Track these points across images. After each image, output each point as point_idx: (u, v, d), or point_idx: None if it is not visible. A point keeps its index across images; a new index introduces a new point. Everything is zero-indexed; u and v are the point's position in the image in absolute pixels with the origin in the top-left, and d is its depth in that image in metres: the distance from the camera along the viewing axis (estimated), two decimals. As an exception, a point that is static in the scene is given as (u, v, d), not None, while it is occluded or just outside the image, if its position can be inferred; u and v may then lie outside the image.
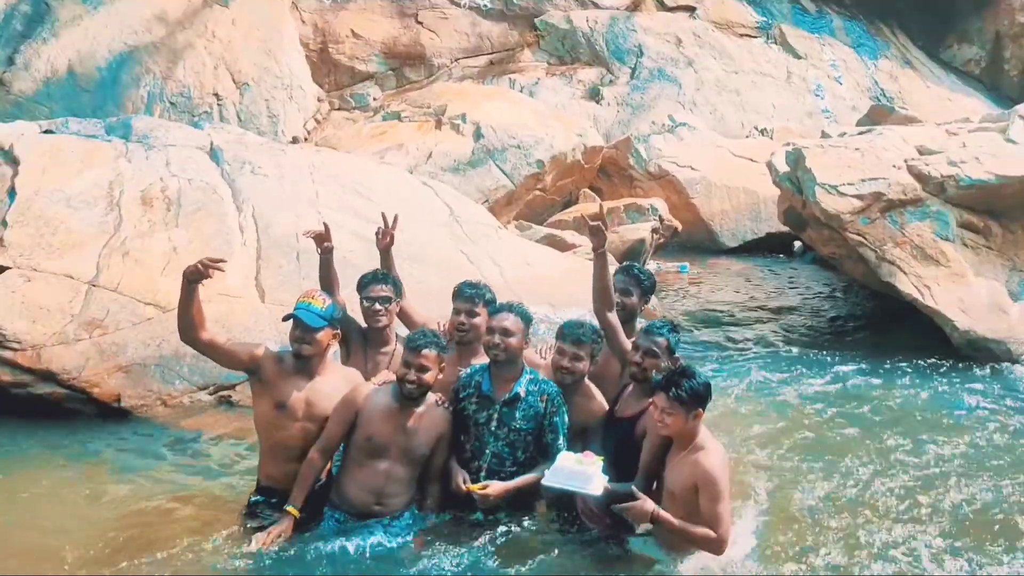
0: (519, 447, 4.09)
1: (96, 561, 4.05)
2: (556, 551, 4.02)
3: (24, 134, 7.64)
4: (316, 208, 7.64)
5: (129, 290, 6.34)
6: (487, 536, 4.04)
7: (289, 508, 3.92)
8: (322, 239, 4.65)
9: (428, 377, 3.94)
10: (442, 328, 4.52)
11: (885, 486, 5.00)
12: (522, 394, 4.06)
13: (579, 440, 4.21)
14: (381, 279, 4.53)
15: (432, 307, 4.91)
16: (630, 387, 4.21)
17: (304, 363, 4.06)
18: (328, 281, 4.56)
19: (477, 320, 4.37)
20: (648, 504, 3.72)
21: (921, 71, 15.99)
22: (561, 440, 4.08)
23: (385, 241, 4.68)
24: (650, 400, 3.99)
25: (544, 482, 3.89)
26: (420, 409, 4.00)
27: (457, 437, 4.13)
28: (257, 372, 4.09)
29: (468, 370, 4.20)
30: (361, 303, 4.53)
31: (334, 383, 4.12)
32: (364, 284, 4.55)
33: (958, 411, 6.37)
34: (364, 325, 4.57)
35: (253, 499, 4.17)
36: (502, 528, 4.10)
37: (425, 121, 11.88)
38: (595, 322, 4.36)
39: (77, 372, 5.81)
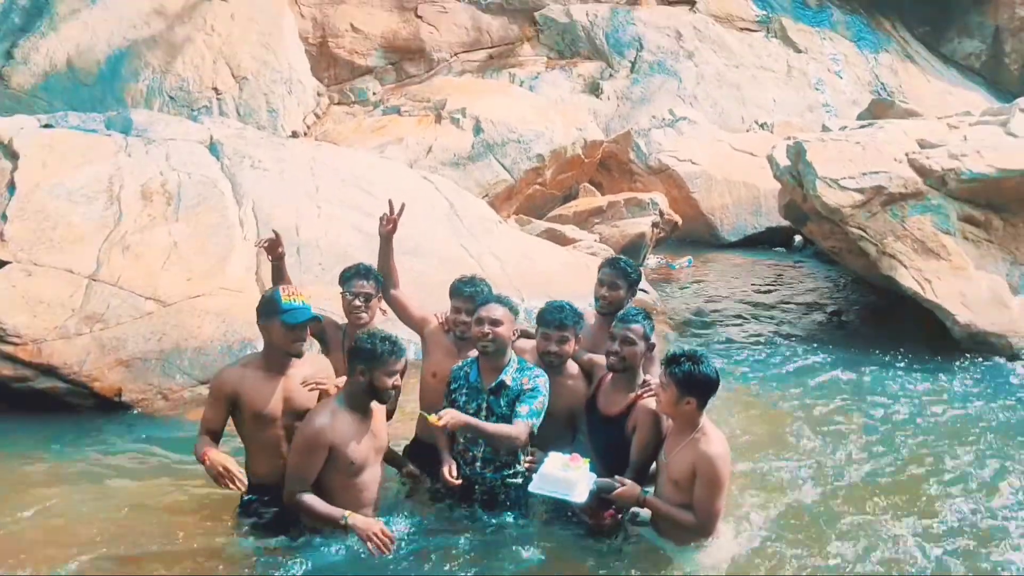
0: None
1: (98, 555, 4.05)
2: (558, 550, 4.00)
3: (24, 128, 7.64)
4: (316, 202, 7.65)
5: (129, 284, 6.35)
6: (485, 535, 4.03)
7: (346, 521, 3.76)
8: (274, 247, 4.59)
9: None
10: (440, 319, 4.53)
11: (888, 480, 5.02)
12: (507, 382, 4.07)
13: (567, 428, 4.24)
14: (363, 274, 4.48)
15: (431, 301, 4.90)
16: (607, 379, 4.18)
17: (281, 362, 3.98)
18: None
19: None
20: (635, 488, 3.76)
21: (922, 65, 15.97)
22: (525, 408, 4.02)
23: (388, 228, 4.58)
24: (635, 394, 4.01)
25: (530, 488, 3.89)
26: (375, 406, 3.93)
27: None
28: (235, 400, 3.98)
29: (459, 364, 4.23)
30: (343, 298, 4.49)
31: (304, 373, 4.06)
32: (346, 278, 4.50)
33: (960, 405, 6.37)
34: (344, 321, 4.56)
35: (246, 498, 4.12)
36: (499, 526, 4.08)
37: (425, 115, 11.87)
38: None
39: (78, 366, 5.82)
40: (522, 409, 4.00)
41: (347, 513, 3.71)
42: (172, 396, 5.89)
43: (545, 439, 4.12)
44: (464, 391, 4.11)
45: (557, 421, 4.18)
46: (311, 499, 3.76)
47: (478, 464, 4.10)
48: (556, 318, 4.21)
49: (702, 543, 3.82)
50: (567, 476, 3.79)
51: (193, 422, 5.60)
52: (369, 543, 3.66)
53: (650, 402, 3.98)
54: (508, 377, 4.06)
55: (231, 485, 3.77)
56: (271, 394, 3.95)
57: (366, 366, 3.76)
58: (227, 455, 3.82)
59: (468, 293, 4.37)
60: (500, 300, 4.17)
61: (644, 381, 4.07)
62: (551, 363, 4.23)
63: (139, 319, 6.16)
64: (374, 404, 3.91)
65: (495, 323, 4.05)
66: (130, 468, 5.15)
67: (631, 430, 4.01)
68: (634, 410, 4.01)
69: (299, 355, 3.98)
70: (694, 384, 3.71)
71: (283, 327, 3.90)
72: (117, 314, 6.14)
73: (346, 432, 3.79)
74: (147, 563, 3.99)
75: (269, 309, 3.95)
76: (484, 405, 4.07)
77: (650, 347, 4.10)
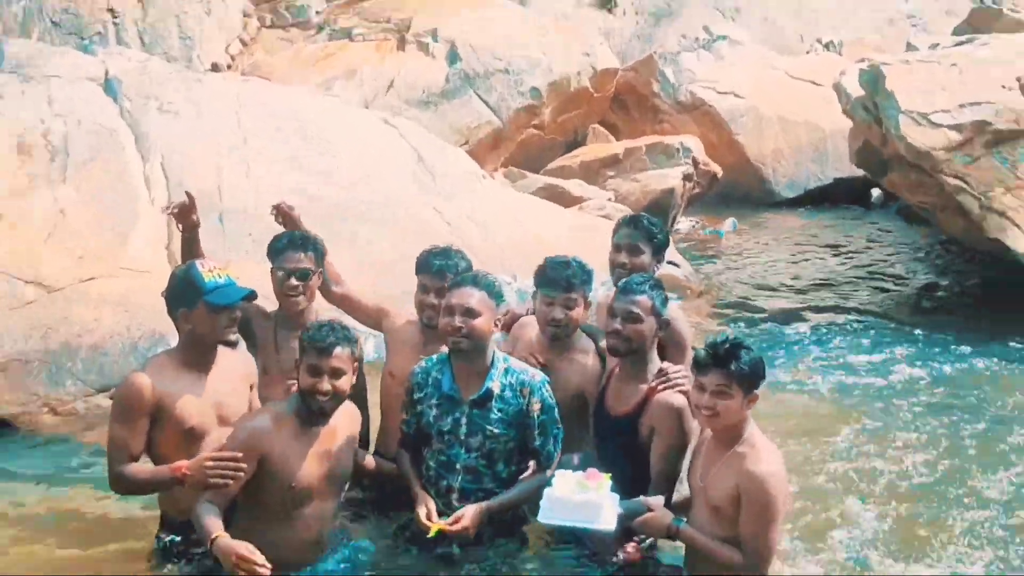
0: (498, 458, 4.04)
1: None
2: None
3: None
4: (243, 156, 7.68)
5: (3, 265, 6.40)
6: None
7: None
8: (186, 213, 4.55)
9: (343, 384, 3.88)
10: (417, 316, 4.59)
11: (981, 509, 5.03)
12: (495, 389, 4.00)
13: (577, 421, 4.26)
14: (300, 244, 4.47)
15: (393, 284, 4.94)
16: (615, 370, 4.21)
17: (203, 359, 4.01)
18: None
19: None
20: (665, 516, 3.74)
21: (1035, -37, 15.99)
22: (551, 445, 4.08)
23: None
24: (648, 386, 4.03)
25: (540, 518, 3.86)
26: (333, 422, 3.95)
27: (416, 451, 4.09)
28: (155, 413, 3.95)
29: (422, 364, 4.12)
30: (273, 275, 4.48)
31: (234, 373, 4.10)
32: (277, 251, 4.49)
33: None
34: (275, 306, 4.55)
35: (164, 540, 4.13)
36: (485, 565, 4.08)
37: (384, 40, 11.89)
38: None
39: (-65, 372, 5.90)
40: (548, 445, 4.06)
41: (216, 534, 3.69)
42: (62, 408, 5.95)
43: None
44: (434, 402, 4.04)
45: (564, 408, 4.17)
46: (202, 509, 3.77)
47: (455, 496, 4.06)
48: (562, 276, 4.23)
49: None
50: (587, 499, 3.77)
51: (88, 443, 5.68)
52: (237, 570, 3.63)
53: (670, 396, 3.98)
54: (495, 383, 4.02)
55: (226, 460, 3.78)
56: (200, 401, 3.97)
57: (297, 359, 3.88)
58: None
59: (438, 267, 4.38)
60: (477, 281, 4.04)
61: (661, 370, 4.06)
62: (556, 335, 4.26)
63: (17, 309, 6.20)
64: (338, 420, 3.95)
65: (469, 313, 3.94)
66: (10, 505, 5.17)
67: (647, 433, 4.02)
68: (648, 407, 4.01)
69: (232, 343, 4.06)
70: (759, 374, 3.69)
71: (208, 310, 3.93)
72: (-12, 303, 6.21)
73: (287, 448, 3.83)
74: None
75: (187, 291, 3.96)
76: (463, 420, 4.02)
77: (662, 324, 4.10)
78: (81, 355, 6.10)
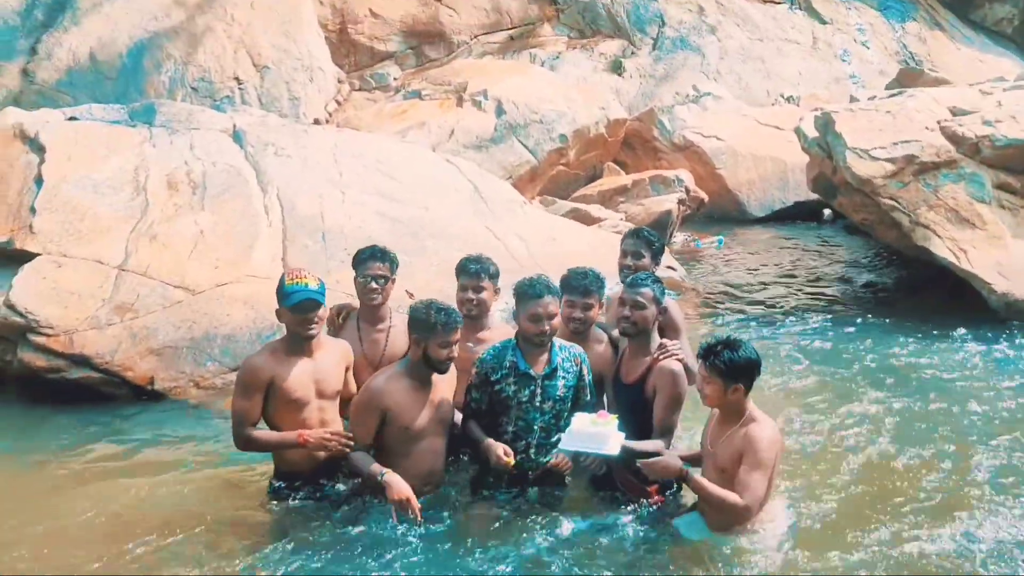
0: (562, 416, 4.09)
1: (127, 541, 4.10)
2: (598, 543, 3.91)
3: (49, 122, 7.70)
4: (340, 188, 7.65)
5: (158, 274, 6.40)
6: (526, 525, 3.96)
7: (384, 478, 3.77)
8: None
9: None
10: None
11: (926, 458, 4.89)
12: (559, 363, 4.07)
13: (597, 394, 4.27)
14: (379, 256, 4.47)
15: (455, 285, 4.88)
16: (626, 349, 4.23)
17: (301, 345, 3.98)
18: None
19: (484, 295, 4.41)
20: (675, 461, 3.70)
21: (951, 32, 15.67)
22: (591, 397, 4.17)
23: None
24: (651, 357, 4.05)
25: (560, 446, 3.91)
26: (437, 378, 3.97)
27: (494, 419, 4.06)
28: (268, 387, 3.97)
29: (490, 351, 4.12)
30: (356, 280, 4.47)
31: (333, 356, 4.10)
32: (361, 261, 4.48)
33: (999, 376, 6.27)
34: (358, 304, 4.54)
35: (276, 484, 4.15)
36: (539, 516, 4.02)
37: (446, 99, 11.83)
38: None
39: (110, 356, 5.88)
40: (592, 398, 4.15)
41: (386, 471, 3.76)
42: (204, 384, 5.94)
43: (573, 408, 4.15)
44: (511, 380, 4.02)
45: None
46: (361, 456, 3.86)
47: (532, 451, 4.08)
48: (581, 284, 4.26)
49: (749, 537, 3.73)
50: (597, 431, 3.81)
51: (226, 410, 5.65)
52: (395, 506, 3.72)
53: (668, 363, 4.01)
54: (559, 359, 4.07)
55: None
56: (302, 378, 3.96)
57: (419, 336, 3.84)
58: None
59: (474, 270, 4.42)
60: (550, 288, 4.09)
61: (660, 344, 4.11)
62: (577, 330, 4.29)
63: (168, 308, 6.20)
64: (436, 376, 3.95)
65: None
66: (163, 455, 5.21)
67: (651, 394, 4.03)
68: (652, 373, 4.04)
69: (309, 338, 3.96)
70: (738, 370, 3.66)
71: (286, 311, 3.93)
72: (147, 303, 6.19)
73: (402, 397, 3.86)
74: (187, 548, 4.03)
75: (279, 293, 4.00)
76: (538, 391, 4.04)
77: (661, 311, 4.15)
78: (218, 342, 6.10)
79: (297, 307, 3.90)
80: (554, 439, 4.07)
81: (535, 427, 4.07)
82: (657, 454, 3.78)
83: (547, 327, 3.98)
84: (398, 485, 3.72)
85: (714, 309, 8.09)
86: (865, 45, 15.04)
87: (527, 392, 4.03)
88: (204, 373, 5.96)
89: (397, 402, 3.85)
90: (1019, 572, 3.80)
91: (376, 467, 3.79)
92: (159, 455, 5.21)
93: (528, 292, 4.02)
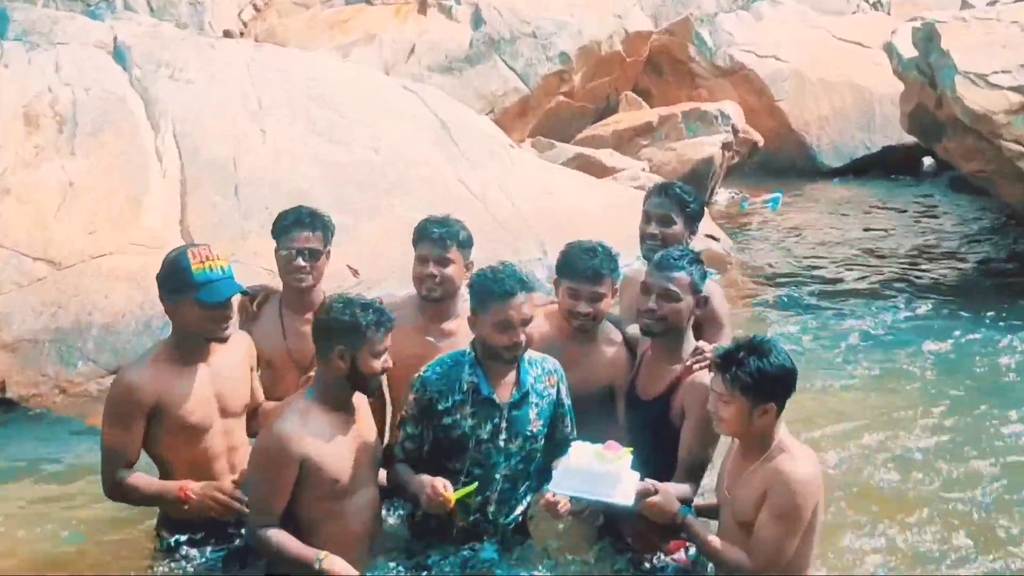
0: (533, 458, 3.98)
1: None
2: None
3: None
4: (259, 124, 7.69)
5: (12, 241, 6.45)
6: None
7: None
8: None
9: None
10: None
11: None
12: (531, 386, 3.93)
13: (604, 414, 4.18)
14: (307, 222, 4.41)
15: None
16: (647, 352, 4.14)
17: (200, 350, 3.91)
18: None
19: (450, 270, 4.31)
20: (672, 503, 3.64)
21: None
22: (573, 431, 4.02)
23: None
24: (683, 365, 3.96)
25: (552, 487, 3.72)
26: (357, 401, 3.86)
27: (438, 464, 3.88)
28: (154, 410, 3.84)
29: (434, 368, 3.91)
30: (278, 253, 4.42)
31: (234, 357, 4.01)
32: (283, 229, 4.41)
33: None
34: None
35: (170, 541, 4.04)
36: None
37: (404, 3, 11.88)
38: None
39: (-58, 353, 5.97)
40: (573, 432, 4.01)
41: (323, 554, 3.62)
42: (73, 390, 6.00)
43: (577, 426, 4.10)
44: (469, 410, 3.85)
45: (591, 401, 4.14)
46: (279, 537, 3.67)
47: (491, 509, 3.98)
48: (588, 267, 4.09)
49: None
50: (606, 470, 3.66)
51: (99, 425, 5.70)
52: None
53: (704, 375, 3.83)
54: (532, 378, 3.92)
55: (233, 508, 3.73)
56: (201, 395, 3.89)
57: (345, 346, 3.68)
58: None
59: (437, 235, 4.33)
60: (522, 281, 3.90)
61: (696, 348, 3.99)
62: (583, 327, 4.17)
63: (26, 287, 6.25)
64: (356, 399, 3.85)
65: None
66: (20, 487, 5.23)
67: (678, 416, 3.94)
68: (681, 388, 3.94)
69: (222, 340, 3.91)
70: (769, 384, 3.51)
71: (197, 307, 3.81)
72: (-3, 281, 6.26)
73: (324, 440, 3.71)
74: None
75: (176, 282, 3.83)
76: (503, 425, 3.91)
77: (700, 302, 4.02)
78: (92, 334, 6.15)
79: (221, 303, 3.84)
80: (522, 490, 4.00)
81: (497, 475, 3.91)
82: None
83: (521, 337, 3.80)
84: (342, 568, 3.61)
85: (763, 295, 8.18)
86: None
87: (489, 426, 3.86)
88: (73, 376, 6.02)
89: (319, 448, 3.66)
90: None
91: (308, 552, 3.64)
92: (10, 485, 5.22)
93: (493, 289, 3.77)
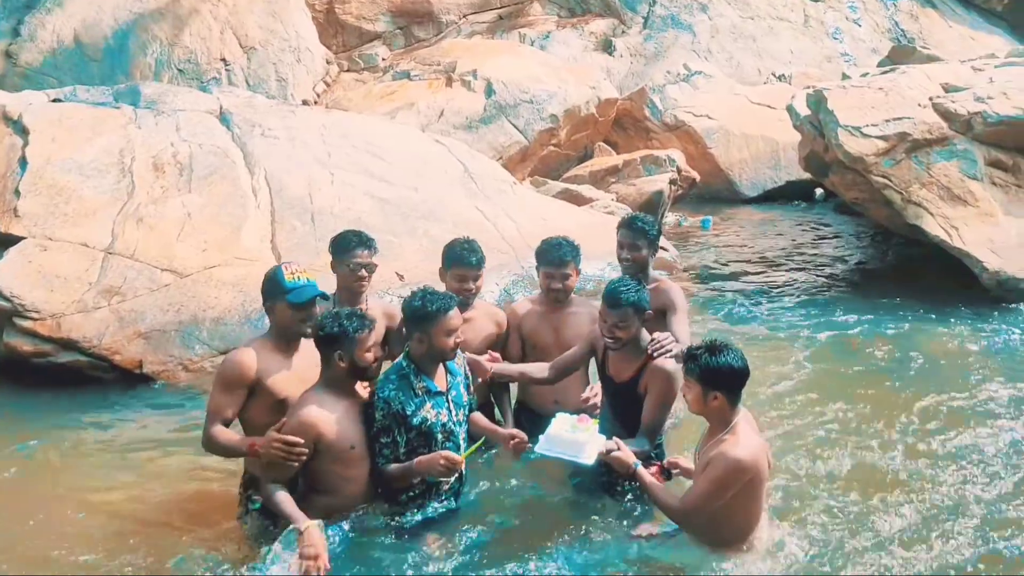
0: (468, 415, 3.95)
1: (118, 534, 4.09)
2: (580, 548, 3.77)
3: (32, 104, 7.61)
4: (328, 169, 7.59)
5: (145, 256, 6.35)
6: (506, 526, 3.87)
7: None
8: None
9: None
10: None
11: (918, 440, 4.85)
12: (450, 367, 3.86)
13: (584, 366, 4.22)
14: (366, 243, 4.28)
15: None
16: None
17: (290, 343, 3.81)
18: None
19: (480, 282, 4.35)
20: (629, 456, 3.63)
21: (942, 9, 15.64)
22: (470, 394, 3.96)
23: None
24: (645, 355, 3.87)
25: (537, 449, 3.73)
26: (360, 391, 3.77)
27: (416, 455, 3.70)
28: (254, 386, 3.75)
29: (387, 386, 3.71)
30: (340, 268, 4.27)
31: (313, 355, 3.78)
32: (346, 248, 4.25)
33: (992, 353, 6.28)
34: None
35: (254, 498, 3.86)
36: (519, 521, 3.94)
37: (435, 79, 11.75)
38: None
39: (97, 340, 5.84)
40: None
41: (309, 523, 3.45)
42: (193, 367, 5.90)
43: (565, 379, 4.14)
44: (429, 405, 3.72)
45: (576, 357, 4.13)
46: (280, 495, 3.56)
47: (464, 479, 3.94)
48: (556, 256, 4.29)
49: (731, 555, 3.53)
50: (575, 438, 3.69)
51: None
52: (303, 558, 3.38)
53: (663, 362, 3.82)
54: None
55: (289, 441, 3.54)
56: (291, 377, 3.78)
57: (344, 349, 3.61)
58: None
59: (477, 260, 4.30)
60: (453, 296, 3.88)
61: (654, 339, 3.89)
62: (558, 299, 4.32)
63: (156, 291, 6.16)
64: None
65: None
66: (151, 438, 5.18)
67: (644, 392, 3.88)
68: (645, 372, 3.87)
69: (308, 335, 3.78)
70: (716, 377, 3.46)
71: (289, 308, 3.74)
72: (134, 286, 6.14)
73: (336, 419, 3.62)
74: (166, 537, 4.01)
75: (273, 289, 3.79)
76: (449, 407, 3.79)
77: (646, 317, 3.89)
78: (206, 325, 6.05)
79: (306, 304, 3.75)
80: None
81: (461, 441, 3.82)
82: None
83: (461, 337, 3.76)
84: (317, 541, 3.42)
85: (700, 292, 8.04)
86: (857, 23, 15.01)
87: (444, 411, 3.77)
88: (192, 356, 5.92)
89: (333, 426, 3.59)
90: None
91: (300, 517, 3.49)
92: (145, 438, 5.18)
93: (442, 306, 3.66)
